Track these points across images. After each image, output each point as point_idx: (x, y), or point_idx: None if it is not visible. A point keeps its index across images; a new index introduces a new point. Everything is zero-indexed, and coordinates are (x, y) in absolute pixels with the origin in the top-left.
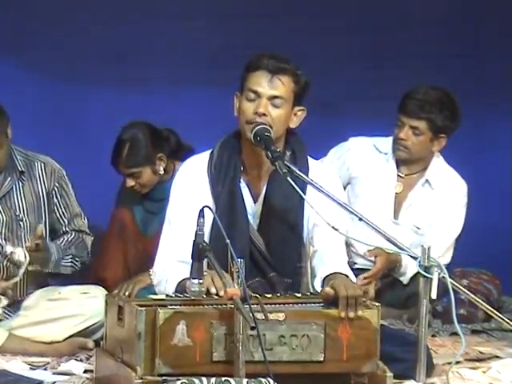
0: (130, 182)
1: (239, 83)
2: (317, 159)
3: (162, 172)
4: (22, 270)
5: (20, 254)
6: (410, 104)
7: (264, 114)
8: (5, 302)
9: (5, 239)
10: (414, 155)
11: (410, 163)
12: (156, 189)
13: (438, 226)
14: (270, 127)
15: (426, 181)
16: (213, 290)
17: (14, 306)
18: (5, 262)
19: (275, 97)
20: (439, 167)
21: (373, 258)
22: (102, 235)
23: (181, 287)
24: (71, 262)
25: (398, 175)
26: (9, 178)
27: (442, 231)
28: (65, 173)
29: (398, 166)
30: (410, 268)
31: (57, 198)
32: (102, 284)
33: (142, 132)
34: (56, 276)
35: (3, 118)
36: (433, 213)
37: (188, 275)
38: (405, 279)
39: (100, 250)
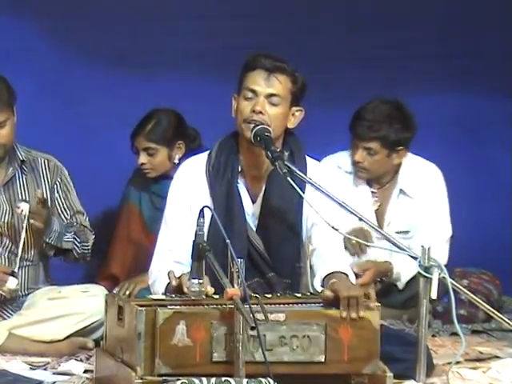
0: (143, 159)
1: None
2: (316, 159)
3: (176, 161)
4: (24, 224)
5: (24, 207)
6: (359, 126)
7: (261, 112)
8: (15, 281)
9: (7, 228)
10: (375, 173)
11: (376, 179)
12: (165, 185)
13: (426, 228)
14: (268, 126)
15: (401, 191)
16: None
17: (15, 304)
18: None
19: (272, 95)
20: (408, 169)
21: (361, 273)
22: (107, 234)
23: (169, 288)
24: (73, 239)
25: (372, 191)
26: (11, 168)
27: (431, 233)
28: (67, 173)
29: (367, 183)
30: (403, 274)
31: (58, 192)
32: (114, 280)
33: (169, 116)
34: (59, 254)
35: (10, 91)
36: (417, 217)
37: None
38: (400, 284)
39: (108, 247)
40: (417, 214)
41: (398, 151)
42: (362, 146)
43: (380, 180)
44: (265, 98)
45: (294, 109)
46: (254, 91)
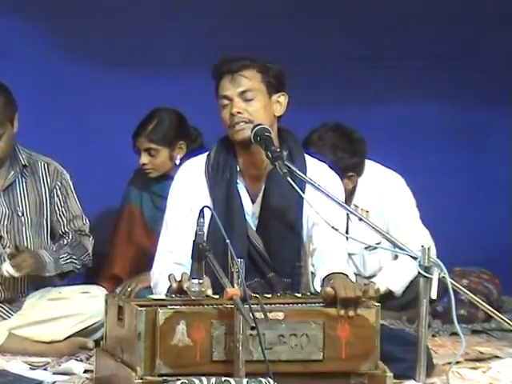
0: (144, 159)
1: None
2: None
3: (177, 162)
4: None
5: (7, 268)
6: None
7: (239, 113)
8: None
9: (6, 232)
10: None
11: None
12: (166, 185)
13: (401, 239)
14: (251, 122)
15: (354, 205)
16: None
17: (15, 305)
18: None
19: (243, 92)
20: (364, 184)
21: None
22: (108, 235)
23: (171, 290)
24: (70, 259)
25: None
26: (12, 172)
27: (410, 243)
28: (69, 176)
29: None
30: (394, 287)
31: (57, 196)
32: (117, 281)
33: (171, 116)
34: (64, 276)
35: (9, 103)
36: (385, 228)
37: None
38: (395, 294)
39: (110, 247)
40: (383, 226)
41: (348, 177)
42: None
43: None
44: (238, 97)
45: (276, 96)
46: (226, 97)
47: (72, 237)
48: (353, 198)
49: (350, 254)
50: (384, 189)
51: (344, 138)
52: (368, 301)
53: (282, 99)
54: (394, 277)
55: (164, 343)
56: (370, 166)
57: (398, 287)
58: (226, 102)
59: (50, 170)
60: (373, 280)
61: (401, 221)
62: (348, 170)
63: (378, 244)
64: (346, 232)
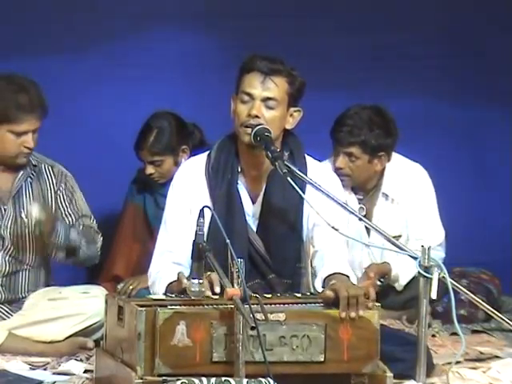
0: (150, 170)
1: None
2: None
3: None
4: (37, 228)
5: (36, 211)
6: (339, 131)
7: (257, 116)
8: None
9: (9, 233)
10: (357, 180)
11: (360, 186)
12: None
13: (416, 234)
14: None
15: (384, 194)
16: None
17: (15, 305)
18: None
19: (268, 98)
20: (392, 172)
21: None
22: (110, 234)
23: (170, 289)
24: (78, 234)
25: (358, 198)
26: (21, 172)
27: (422, 240)
28: (72, 178)
29: (353, 190)
30: (402, 276)
31: (63, 197)
32: (118, 282)
33: (169, 122)
34: (69, 255)
35: (42, 102)
36: (406, 221)
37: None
38: (398, 286)
39: (111, 247)
40: (405, 217)
41: (379, 157)
42: (342, 151)
43: (364, 187)
44: (261, 101)
45: (292, 109)
46: (249, 95)
47: (83, 228)
48: (381, 186)
49: (368, 245)
50: (409, 181)
51: (379, 116)
52: (369, 301)
53: (296, 114)
54: (405, 267)
55: (164, 343)
56: (397, 157)
57: (405, 279)
58: (246, 98)
59: (54, 172)
60: (387, 261)
61: (420, 216)
62: (380, 148)
63: (398, 236)
64: (369, 219)
